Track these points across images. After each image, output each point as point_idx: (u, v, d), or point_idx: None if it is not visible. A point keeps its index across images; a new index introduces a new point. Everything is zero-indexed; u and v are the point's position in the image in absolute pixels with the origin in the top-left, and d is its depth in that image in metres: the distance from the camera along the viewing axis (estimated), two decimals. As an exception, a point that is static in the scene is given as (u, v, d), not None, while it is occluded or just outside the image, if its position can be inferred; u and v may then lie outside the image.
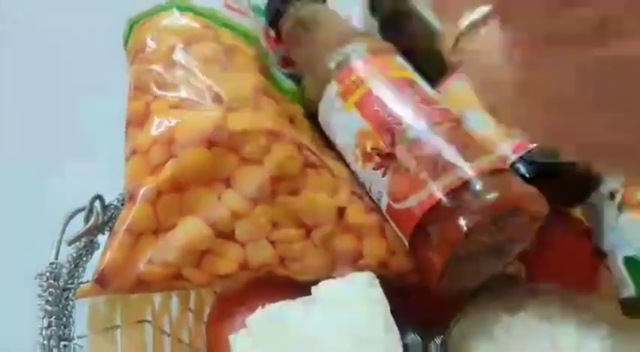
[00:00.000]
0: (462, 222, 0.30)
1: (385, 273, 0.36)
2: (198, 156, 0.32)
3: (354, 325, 0.31)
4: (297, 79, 0.43)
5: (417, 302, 0.38)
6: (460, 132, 0.34)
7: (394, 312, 0.42)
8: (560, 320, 0.36)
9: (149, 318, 0.35)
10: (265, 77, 0.38)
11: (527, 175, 0.36)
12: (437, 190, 0.31)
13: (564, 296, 0.37)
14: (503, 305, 0.37)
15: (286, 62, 0.45)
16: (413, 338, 0.42)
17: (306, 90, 0.40)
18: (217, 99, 0.33)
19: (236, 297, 0.35)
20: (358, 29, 0.44)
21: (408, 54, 0.43)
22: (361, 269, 0.34)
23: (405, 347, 0.43)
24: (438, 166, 0.32)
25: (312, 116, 0.40)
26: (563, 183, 0.38)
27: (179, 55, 0.35)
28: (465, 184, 0.31)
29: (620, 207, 0.39)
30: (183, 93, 0.34)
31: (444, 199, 0.31)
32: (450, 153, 0.32)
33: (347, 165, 0.37)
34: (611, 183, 0.39)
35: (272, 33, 0.45)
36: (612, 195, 0.39)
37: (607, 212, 0.39)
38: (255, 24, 0.43)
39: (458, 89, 0.40)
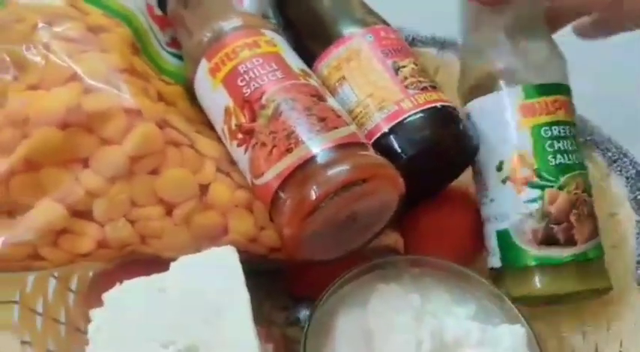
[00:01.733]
0: (310, 193, 0.31)
1: (257, 249, 0.36)
2: (51, 136, 0.32)
3: (208, 298, 0.31)
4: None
5: (311, 277, 0.39)
6: (319, 107, 0.34)
7: (285, 289, 0.43)
8: (431, 292, 0.37)
9: (17, 299, 0.36)
10: (138, 56, 0.38)
11: (399, 149, 0.37)
12: (289, 164, 0.32)
13: (440, 268, 0.38)
14: (380, 275, 0.38)
15: (176, 43, 0.44)
16: (305, 313, 0.43)
17: (185, 69, 0.40)
18: (75, 78, 0.33)
19: (108, 275, 0.36)
20: (237, 6, 0.44)
21: (298, 27, 0.44)
22: (228, 244, 0.34)
23: (297, 320, 0.44)
24: (291, 141, 0.32)
25: (194, 96, 0.40)
26: (440, 153, 0.39)
27: (40, 34, 0.35)
28: (315, 157, 0.32)
29: (505, 180, 0.39)
30: (41, 73, 0.34)
31: (296, 172, 0.32)
32: (304, 128, 0.33)
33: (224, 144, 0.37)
34: (500, 155, 0.40)
35: (159, 12, 0.45)
36: (500, 167, 0.40)
37: (491, 182, 0.40)
38: (140, 1, 0.42)
39: (336, 60, 0.40)
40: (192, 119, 0.39)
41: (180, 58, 0.43)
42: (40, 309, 0.38)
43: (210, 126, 0.39)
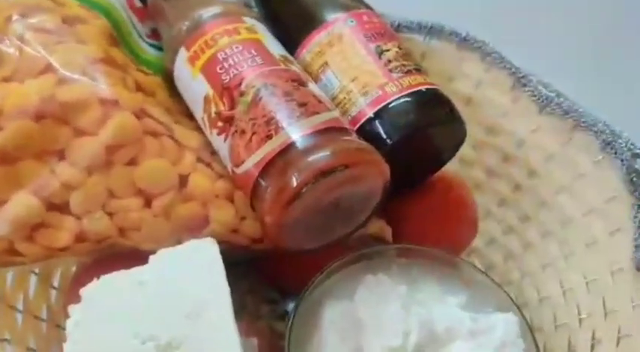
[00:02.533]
0: (291, 180, 0.30)
1: (238, 239, 0.36)
2: (25, 128, 0.31)
3: (189, 292, 0.30)
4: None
5: (297, 268, 0.38)
6: (299, 93, 0.33)
7: (272, 281, 0.42)
8: (420, 281, 0.37)
9: (-4, 296, 0.35)
10: (116, 47, 0.37)
11: (384, 134, 0.36)
12: (269, 151, 0.31)
13: (429, 257, 0.37)
14: (367, 265, 0.37)
15: (156, 35, 0.44)
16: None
17: (164, 59, 0.40)
18: (49, 70, 0.33)
19: (88, 270, 0.35)
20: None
21: (280, 16, 0.43)
22: (209, 236, 0.33)
23: (285, 314, 0.43)
24: (271, 127, 0.32)
25: (174, 86, 0.39)
26: (427, 138, 0.38)
27: (14, 27, 0.34)
28: (295, 143, 0.31)
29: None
30: (15, 65, 0.33)
31: (276, 159, 0.31)
32: (283, 114, 0.32)
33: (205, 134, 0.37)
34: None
35: (139, 4, 0.44)
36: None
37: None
38: None
39: (318, 46, 0.39)
40: (172, 109, 0.38)
41: (160, 49, 0.42)
42: (20, 306, 0.37)
43: (189, 117, 0.38)
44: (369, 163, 0.32)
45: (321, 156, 0.30)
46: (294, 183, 0.30)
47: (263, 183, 0.31)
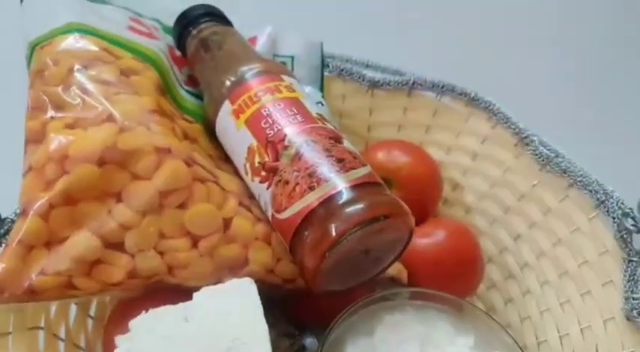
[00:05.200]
0: (331, 228, 0.34)
1: (273, 279, 0.39)
2: (89, 172, 0.34)
3: (229, 328, 0.33)
4: (201, 97, 0.45)
5: (315, 306, 0.41)
6: (336, 149, 0.37)
7: (291, 316, 0.45)
8: (433, 322, 0.40)
9: (42, 325, 0.37)
10: (164, 97, 0.41)
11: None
12: (311, 201, 0.35)
13: (440, 300, 0.41)
14: (385, 305, 0.40)
15: (192, 81, 0.47)
16: (311, 341, 0.45)
17: (206, 109, 0.43)
18: (111, 119, 0.35)
19: (132, 303, 0.38)
20: (256, 51, 0.47)
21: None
22: (248, 275, 0.36)
23: (303, 348, 0.46)
24: (313, 179, 0.35)
25: (212, 133, 0.43)
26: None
27: (76, 77, 0.37)
28: (335, 195, 0.34)
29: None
30: (78, 113, 0.36)
31: (318, 209, 0.34)
32: (324, 168, 0.35)
33: (242, 179, 0.40)
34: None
35: (179, 53, 0.47)
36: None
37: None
38: (162, 44, 0.45)
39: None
40: (212, 155, 0.41)
41: (196, 96, 0.46)
42: (62, 335, 0.39)
43: (227, 161, 0.42)
44: (401, 215, 0.36)
45: (358, 208, 0.34)
46: (334, 233, 0.33)
47: (304, 230, 0.35)
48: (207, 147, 0.41)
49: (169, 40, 0.47)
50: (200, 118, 0.44)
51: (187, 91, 0.46)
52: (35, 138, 0.36)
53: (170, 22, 0.47)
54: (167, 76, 0.43)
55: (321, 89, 0.53)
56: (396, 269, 0.43)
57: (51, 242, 0.34)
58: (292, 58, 0.52)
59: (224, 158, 0.42)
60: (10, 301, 0.33)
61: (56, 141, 0.35)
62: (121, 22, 0.44)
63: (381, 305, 0.40)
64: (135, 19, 0.46)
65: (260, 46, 0.52)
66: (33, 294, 0.33)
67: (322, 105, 0.51)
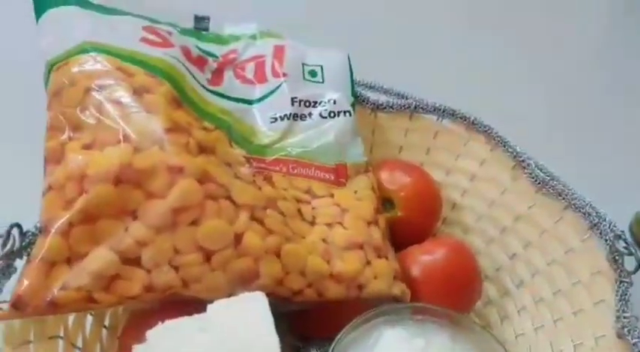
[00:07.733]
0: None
1: (282, 291, 0.40)
2: (106, 192, 0.36)
3: (242, 340, 0.35)
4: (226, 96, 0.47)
5: (319, 319, 0.43)
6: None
7: (294, 329, 0.47)
8: (433, 336, 0.41)
9: (62, 334, 0.39)
10: (180, 109, 0.41)
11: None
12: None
13: (440, 315, 0.42)
14: (387, 320, 0.42)
15: (218, 78, 0.48)
16: (315, 352, 0.47)
17: None
18: (126, 139, 0.37)
19: (147, 314, 0.39)
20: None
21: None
22: (259, 287, 0.38)
23: (307, 361, 0.48)
24: None
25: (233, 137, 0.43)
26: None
27: (92, 98, 0.39)
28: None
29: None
30: (95, 134, 0.38)
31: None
32: None
33: (257, 187, 0.41)
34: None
35: (196, 52, 0.48)
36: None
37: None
38: (176, 50, 0.45)
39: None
40: (230, 162, 0.42)
41: (221, 95, 0.47)
42: (79, 344, 0.41)
43: (245, 164, 0.43)
44: None
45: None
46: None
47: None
48: (226, 155, 0.42)
49: (187, 41, 0.48)
50: (221, 120, 0.44)
51: (212, 92, 0.46)
52: (54, 158, 0.38)
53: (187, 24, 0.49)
54: (183, 84, 0.43)
55: (353, 95, 0.53)
56: (400, 290, 0.44)
57: (71, 258, 0.36)
58: (321, 66, 0.52)
59: (243, 162, 0.43)
60: (33, 315, 0.35)
61: (75, 161, 0.37)
62: (134, 34, 0.44)
63: (383, 319, 0.42)
64: (149, 27, 0.46)
65: (288, 55, 0.51)
66: (55, 308, 0.35)
67: (350, 115, 0.50)
